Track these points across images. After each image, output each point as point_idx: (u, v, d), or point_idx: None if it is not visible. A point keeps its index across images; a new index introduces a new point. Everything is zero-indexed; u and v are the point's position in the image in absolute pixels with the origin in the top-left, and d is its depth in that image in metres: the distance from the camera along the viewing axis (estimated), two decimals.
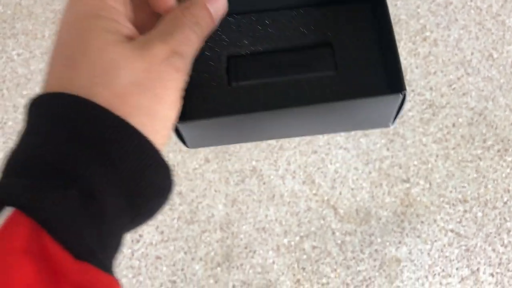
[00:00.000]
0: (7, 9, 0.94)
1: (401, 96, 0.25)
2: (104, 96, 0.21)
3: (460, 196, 0.82)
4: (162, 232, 0.79)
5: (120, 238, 0.22)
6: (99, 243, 0.19)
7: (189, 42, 0.23)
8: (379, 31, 0.28)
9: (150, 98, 0.22)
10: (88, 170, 0.20)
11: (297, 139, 0.84)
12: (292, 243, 0.79)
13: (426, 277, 0.78)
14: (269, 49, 0.29)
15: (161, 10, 0.25)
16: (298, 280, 0.78)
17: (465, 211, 0.81)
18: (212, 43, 0.29)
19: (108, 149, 0.20)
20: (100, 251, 0.19)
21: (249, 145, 0.83)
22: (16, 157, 0.20)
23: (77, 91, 0.21)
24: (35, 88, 0.90)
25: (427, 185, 0.82)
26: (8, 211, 0.18)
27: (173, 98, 0.23)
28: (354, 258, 0.79)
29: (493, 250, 0.79)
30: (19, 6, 0.94)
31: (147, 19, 0.26)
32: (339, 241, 0.79)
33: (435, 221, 0.81)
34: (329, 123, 0.28)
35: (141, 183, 0.21)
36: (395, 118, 0.28)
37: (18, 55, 0.93)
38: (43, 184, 0.19)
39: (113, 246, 0.21)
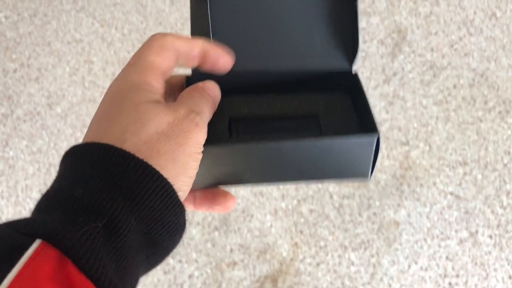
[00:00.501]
0: None
1: (375, 138, 0.28)
2: (133, 143, 0.24)
3: (460, 159, 0.81)
4: None
5: (137, 276, 0.23)
6: (119, 276, 0.21)
7: (202, 105, 0.28)
8: (357, 108, 0.33)
9: (172, 145, 0.24)
10: (113, 207, 0.21)
11: None
12: (290, 206, 0.78)
13: (425, 239, 0.78)
14: (265, 116, 0.33)
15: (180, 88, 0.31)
16: (296, 243, 0.77)
17: (465, 173, 0.80)
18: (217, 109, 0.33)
19: (131, 188, 0.22)
20: (120, 284, 0.21)
21: None
22: (48, 196, 0.23)
23: (108, 140, 0.23)
24: (25, 51, 0.88)
25: (427, 148, 0.81)
26: (38, 242, 0.19)
27: (193, 149, 0.25)
28: (352, 221, 0.78)
29: (492, 212, 0.79)
30: None
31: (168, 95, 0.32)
32: (336, 205, 0.79)
33: (434, 184, 0.80)
34: (306, 166, 0.31)
35: (160, 221, 0.23)
36: (372, 167, 0.30)
37: (6, 17, 0.89)
38: (71, 218, 0.21)
39: (131, 282, 0.23)
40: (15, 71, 0.87)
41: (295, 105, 0.34)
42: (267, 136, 0.31)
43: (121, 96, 0.26)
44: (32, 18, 0.90)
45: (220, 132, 0.32)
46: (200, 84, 0.30)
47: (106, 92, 0.27)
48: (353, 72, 0.33)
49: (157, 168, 0.23)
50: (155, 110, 0.25)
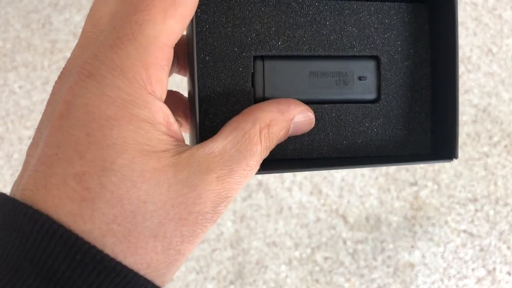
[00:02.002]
0: (6, 43, 0.96)
1: (451, 161, 0.24)
2: (117, 250, 0.17)
3: (470, 195, 0.81)
4: None
5: None
6: None
7: (247, 178, 0.19)
8: (437, 53, 0.26)
9: (168, 255, 0.18)
10: None
11: None
12: (304, 255, 0.79)
13: (442, 280, 0.77)
14: (301, 54, 0.25)
15: None
16: None
17: (476, 210, 0.80)
18: (238, 36, 0.25)
19: None
20: None
21: None
22: None
23: (87, 235, 0.17)
24: (38, 118, 0.91)
25: (436, 187, 0.82)
26: None
27: (191, 251, 0.19)
28: (367, 266, 0.78)
29: (508, 247, 0.78)
30: (18, 39, 0.95)
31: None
32: (351, 250, 0.79)
33: (446, 222, 0.80)
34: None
35: None
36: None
37: (20, 87, 0.94)
38: None
39: None
40: (29, 137, 0.90)
41: (351, 34, 0.26)
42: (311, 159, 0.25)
43: (87, 129, 0.17)
44: (44, 86, 0.94)
45: (236, 78, 0.24)
46: (281, 110, 0.21)
47: (55, 109, 0.18)
48: None
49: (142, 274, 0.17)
50: (156, 179, 0.17)
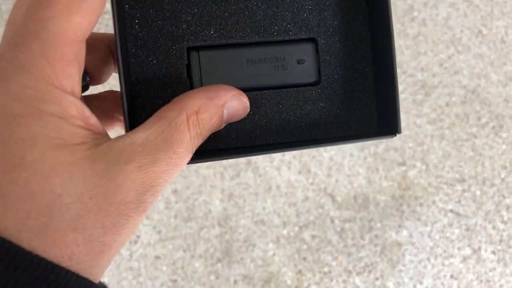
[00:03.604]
0: None
1: (394, 136, 0.24)
2: (35, 244, 0.17)
3: (457, 176, 0.81)
4: (159, 232, 0.78)
5: None
6: None
7: (177, 166, 0.19)
8: (375, 30, 0.26)
9: (91, 247, 0.18)
10: None
11: None
12: (292, 233, 0.79)
13: (428, 259, 0.78)
14: (237, 42, 0.25)
15: None
16: (300, 271, 0.77)
17: (463, 190, 0.81)
18: (169, 29, 0.25)
19: None
20: None
21: None
22: None
23: (1, 232, 0.17)
24: None
25: (424, 167, 0.82)
26: None
27: (122, 242, 0.19)
28: (354, 244, 0.78)
29: (493, 227, 0.79)
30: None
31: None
32: (338, 229, 0.79)
33: (434, 202, 0.80)
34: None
35: None
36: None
37: None
38: None
39: None
40: None
41: (285, 18, 0.25)
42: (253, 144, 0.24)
43: (9, 127, 0.17)
44: None
45: (170, 70, 0.24)
46: (210, 97, 0.20)
47: None
48: None
49: (74, 271, 0.17)
50: (76, 180, 0.17)
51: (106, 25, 0.80)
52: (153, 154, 0.18)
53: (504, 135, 0.84)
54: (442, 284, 0.76)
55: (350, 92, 0.26)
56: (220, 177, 0.81)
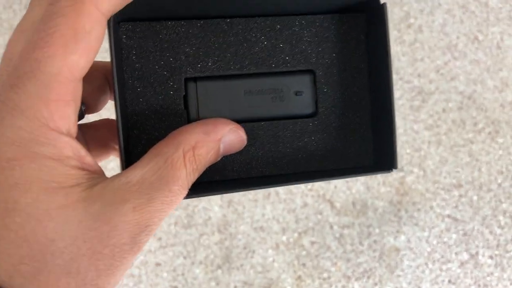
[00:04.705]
0: None
1: (391, 172, 0.24)
2: None
3: (454, 181, 0.82)
4: (160, 239, 0.79)
5: None
6: None
7: (172, 204, 0.19)
8: (373, 63, 0.25)
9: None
10: None
11: None
12: (291, 240, 0.79)
13: (426, 264, 0.78)
14: (234, 73, 0.25)
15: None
16: (299, 277, 0.78)
17: (461, 195, 0.81)
18: (166, 60, 0.24)
19: None
20: None
21: None
22: None
23: None
24: None
25: (421, 173, 0.83)
26: None
27: (117, 283, 0.18)
28: (353, 250, 0.79)
29: (491, 232, 0.80)
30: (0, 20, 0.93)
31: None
32: (337, 235, 0.80)
33: (431, 207, 0.81)
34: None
35: None
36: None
37: None
38: None
39: None
40: None
41: (284, 50, 0.25)
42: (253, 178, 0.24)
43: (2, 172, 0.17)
44: None
45: (167, 102, 0.24)
46: (205, 132, 0.20)
47: None
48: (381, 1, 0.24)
49: None
50: (70, 223, 0.17)
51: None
52: (148, 194, 0.18)
53: (500, 140, 0.84)
54: None
55: (347, 124, 0.26)
56: None
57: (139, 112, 0.24)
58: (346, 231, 0.80)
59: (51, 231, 0.17)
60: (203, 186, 0.23)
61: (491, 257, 0.79)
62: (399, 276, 0.78)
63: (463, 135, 0.85)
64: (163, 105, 0.24)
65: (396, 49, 0.91)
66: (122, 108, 0.21)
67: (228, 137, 0.21)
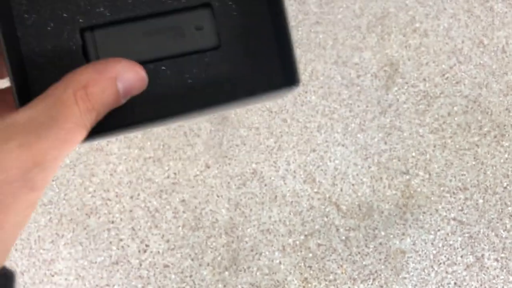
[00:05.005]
0: None
1: (295, 88, 0.23)
2: None
3: (460, 184, 0.83)
4: (168, 241, 0.80)
5: None
6: None
7: (67, 142, 0.18)
8: None
9: None
10: None
11: (294, 138, 0.85)
12: (297, 242, 0.80)
13: (432, 266, 0.79)
14: (131, 16, 0.24)
15: None
16: (306, 279, 0.79)
17: (466, 198, 0.82)
18: (58, 12, 0.24)
19: None
20: None
21: (248, 147, 0.84)
22: None
23: None
24: None
25: (427, 176, 0.83)
26: None
27: (16, 222, 0.17)
28: (359, 253, 0.80)
29: (496, 235, 0.80)
30: None
31: None
32: (343, 237, 0.80)
33: (437, 210, 0.81)
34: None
35: None
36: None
37: None
38: None
39: None
40: None
41: None
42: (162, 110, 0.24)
43: None
44: None
45: (65, 54, 0.23)
46: (93, 71, 0.19)
47: None
48: None
49: None
50: None
51: None
52: (36, 132, 0.17)
53: (506, 144, 0.85)
54: None
55: (251, 52, 0.25)
56: (227, 187, 0.82)
57: (37, 67, 0.23)
58: (352, 234, 0.80)
59: None
60: (107, 128, 0.22)
61: (496, 260, 0.79)
62: (404, 278, 0.78)
63: (469, 139, 0.85)
64: (61, 58, 0.23)
65: (401, 53, 0.92)
66: (16, 63, 0.21)
67: (125, 75, 0.20)
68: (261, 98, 0.24)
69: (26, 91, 0.22)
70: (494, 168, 0.84)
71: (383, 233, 0.80)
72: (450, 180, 0.83)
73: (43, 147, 0.17)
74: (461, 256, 0.79)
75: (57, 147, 0.18)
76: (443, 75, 0.90)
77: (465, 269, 0.79)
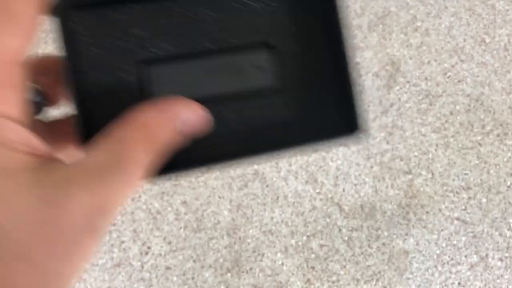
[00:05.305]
0: None
1: (360, 136, 0.23)
2: None
3: (463, 184, 0.82)
4: (170, 243, 0.80)
5: None
6: None
7: (130, 186, 0.18)
8: (329, 30, 0.24)
9: (43, 279, 0.16)
10: None
11: None
12: (300, 243, 0.80)
13: (436, 266, 0.78)
14: (191, 52, 0.23)
15: None
16: (309, 280, 0.78)
17: (469, 198, 0.81)
18: (118, 44, 0.23)
19: None
20: None
21: None
22: None
23: None
24: None
25: (430, 175, 0.83)
26: None
27: (77, 269, 0.17)
28: (362, 253, 0.79)
29: (500, 234, 0.79)
30: None
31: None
32: (346, 238, 0.80)
33: (440, 210, 0.81)
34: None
35: None
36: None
37: None
38: None
39: None
40: None
41: (238, 24, 0.24)
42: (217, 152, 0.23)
43: None
44: None
45: (121, 87, 0.23)
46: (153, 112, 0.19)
47: None
48: None
49: None
50: (12, 200, 0.16)
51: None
52: (101, 176, 0.17)
53: (509, 142, 0.84)
54: None
55: (310, 95, 0.25)
56: (228, 188, 0.82)
57: (94, 99, 0.23)
58: (354, 234, 0.80)
59: (0, 217, 0.16)
60: (167, 168, 0.21)
61: (501, 260, 0.78)
62: (408, 279, 0.78)
63: (471, 138, 0.85)
64: (118, 90, 0.23)
65: (403, 52, 0.91)
66: (77, 95, 0.21)
67: (186, 115, 0.20)
68: (321, 145, 0.23)
69: (86, 124, 0.22)
70: (498, 167, 0.83)
71: (386, 233, 0.80)
72: (453, 180, 0.82)
73: (107, 192, 0.17)
74: (465, 256, 0.79)
75: (120, 191, 0.17)
76: (445, 74, 0.90)
77: (469, 269, 0.78)
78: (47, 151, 0.18)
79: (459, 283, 0.77)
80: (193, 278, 0.79)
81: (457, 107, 0.87)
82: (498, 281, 0.77)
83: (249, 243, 0.80)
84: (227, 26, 0.24)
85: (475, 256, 0.79)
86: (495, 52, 0.90)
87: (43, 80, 0.19)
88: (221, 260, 0.79)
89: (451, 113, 0.87)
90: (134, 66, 0.23)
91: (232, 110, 0.24)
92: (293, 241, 0.80)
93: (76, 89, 0.21)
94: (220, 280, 0.78)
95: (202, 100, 0.22)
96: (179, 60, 0.23)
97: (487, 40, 0.91)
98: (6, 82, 0.17)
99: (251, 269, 0.79)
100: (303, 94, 0.25)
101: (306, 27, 0.24)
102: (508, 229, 0.80)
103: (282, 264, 0.79)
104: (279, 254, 0.79)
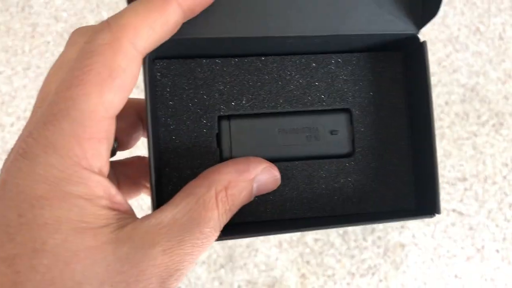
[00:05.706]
0: None
1: (433, 216, 0.23)
2: None
3: (459, 175, 0.81)
4: None
5: None
6: None
7: (203, 247, 0.18)
8: (412, 102, 0.24)
9: None
10: None
11: None
12: (294, 237, 0.78)
13: (432, 259, 0.77)
14: (270, 112, 0.24)
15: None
16: (303, 274, 0.77)
17: (465, 189, 0.80)
18: (200, 98, 0.24)
19: None
20: None
21: None
22: None
23: None
24: (21, 104, 0.89)
25: None
26: None
27: None
28: (357, 247, 0.78)
29: (496, 225, 0.79)
30: None
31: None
32: (341, 231, 0.79)
33: None
34: None
35: None
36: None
37: (0, 73, 0.91)
38: None
39: None
40: (12, 125, 0.88)
41: (319, 88, 0.24)
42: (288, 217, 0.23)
43: (18, 210, 0.16)
44: (25, 71, 0.91)
45: (200, 140, 0.23)
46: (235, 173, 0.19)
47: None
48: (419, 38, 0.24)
49: None
50: (93, 257, 0.16)
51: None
52: (179, 236, 0.17)
53: (504, 132, 0.83)
54: (447, 284, 0.76)
55: (385, 165, 0.25)
56: None
57: (171, 150, 0.23)
58: (349, 228, 0.79)
59: (79, 274, 0.16)
60: (235, 227, 0.22)
61: (497, 251, 0.77)
62: (404, 272, 0.77)
63: (467, 128, 0.84)
64: (195, 143, 0.23)
65: None
66: (155, 146, 0.21)
67: (261, 176, 0.20)
68: (389, 221, 0.24)
69: (160, 176, 0.23)
70: (493, 157, 0.82)
71: (381, 226, 0.79)
72: (449, 171, 0.81)
73: (182, 253, 0.17)
74: (462, 248, 0.78)
75: (194, 252, 0.18)
76: (440, 63, 0.88)
77: (465, 261, 0.77)
78: (127, 205, 0.19)
79: (455, 275, 0.77)
80: (186, 275, 0.77)
81: (452, 97, 0.86)
82: (495, 272, 0.76)
83: (242, 238, 0.79)
84: (309, 90, 0.24)
85: (471, 247, 0.78)
86: (490, 41, 0.89)
87: (118, 124, 0.19)
88: (214, 256, 0.78)
89: (446, 103, 0.86)
90: (213, 121, 0.24)
91: (300, 171, 0.24)
92: (287, 236, 0.79)
93: (154, 139, 0.21)
94: (214, 276, 0.77)
95: (274, 159, 0.22)
96: (258, 118, 0.24)
97: (482, 29, 0.90)
98: (102, 137, 0.17)
99: (245, 264, 0.77)
100: (375, 162, 0.25)
101: (389, 97, 0.25)
102: (505, 220, 0.79)
103: (277, 259, 0.78)
104: (273, 249, 0.78)
